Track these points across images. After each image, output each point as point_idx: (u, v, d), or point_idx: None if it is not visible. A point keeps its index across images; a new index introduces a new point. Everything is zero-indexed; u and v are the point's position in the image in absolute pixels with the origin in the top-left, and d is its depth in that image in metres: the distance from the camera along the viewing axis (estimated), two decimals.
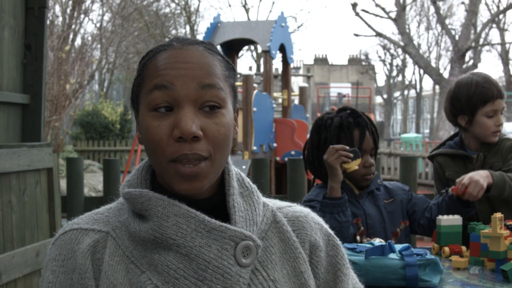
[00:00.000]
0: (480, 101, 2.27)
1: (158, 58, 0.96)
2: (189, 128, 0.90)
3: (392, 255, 1.66)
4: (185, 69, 0.94)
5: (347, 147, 2.04)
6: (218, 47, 7.35)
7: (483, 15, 36.91)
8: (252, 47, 23.98)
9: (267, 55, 7.39)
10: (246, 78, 6.80)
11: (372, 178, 2.19)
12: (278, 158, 7.33)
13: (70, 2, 11.23)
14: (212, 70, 0.95)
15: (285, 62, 8.14)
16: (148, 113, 0.94)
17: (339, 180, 2.02)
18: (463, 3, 19.32)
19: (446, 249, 1.95)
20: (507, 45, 26.10)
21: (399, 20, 18.46)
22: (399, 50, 32.63)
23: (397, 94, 38.81)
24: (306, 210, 1.07)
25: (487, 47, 28.00)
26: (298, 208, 1.07)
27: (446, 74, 19.10)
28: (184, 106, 0.92)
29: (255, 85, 7.62)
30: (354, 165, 2.01)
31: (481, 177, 2.09)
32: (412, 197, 2.26)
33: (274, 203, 1.07)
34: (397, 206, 2.22)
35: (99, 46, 14.75)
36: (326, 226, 1.08)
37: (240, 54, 8.70)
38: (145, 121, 0.94)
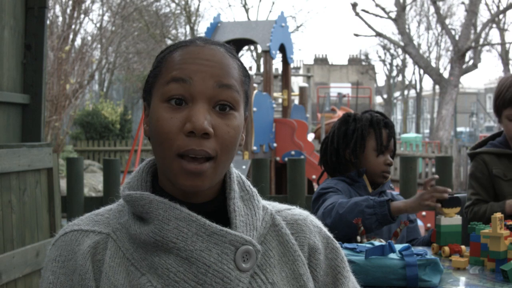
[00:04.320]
0: (503, 103, 2.31)
1: (179, 52, 0.96)
2: (201, 123, 0.90)
3: (392, 255, 1.66)
4: (205, 66, 0.94)
5: (449, 190, 2.03)
6: None
7: (483, 15, 36.98)
8: (252, 47, 23.98)
9: (267, 55, 7.39)
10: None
11: (388, 177, 2.29)
12: (278, 158, 7.33)
13: (70, 2, 11.24)
14: (231, 72, 0.95)
15: (285, 62, 8.13)
16: (161, 104, 0.94)
17: (413, 211, 2.03)
18: (463, 3, 19.31)
19: (446, 248, 1.95)
20: (507, 45, 26.07)
21: (399, 20, 18.45)
22: (399, 50, 32.62)
23: (397, 94, 38.81)
24: (305, 213, 1.07)
25: (487, 47, 27.97)
26: (297, 211, 1.07)
27: (446, 74, 19.09)
28: (198, 102, 0.92)
29: (255, 85, 7.62)
30: (453, 213, 1.99)
31: None
32: (411, 218, 2.35)
33: (273, 206, 1.07)
34: (404, 215, 2.28)
35: (99, 46, 14.76)
36: (325, 229, 1.08)
37: (240, 54, 8.69)
38: (157, 112, 0.94)
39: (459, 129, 36.52)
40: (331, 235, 1.08)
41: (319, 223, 1.08)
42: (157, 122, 0.93)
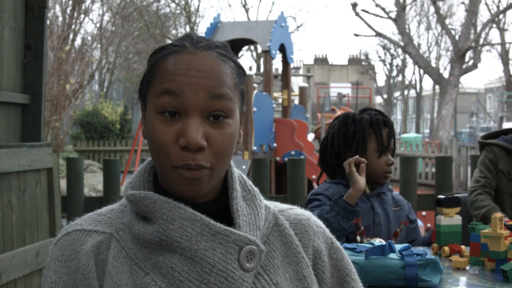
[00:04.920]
0: None
1: (171, 61, 0.95)
2: (194, 138, 0.90)
3: (392, 255, 1.66)
4: (197, 77, 0.93)
5: (364, 160, 2.12)
6: None
7: (483, 15, 36.98)
8: (252, 47, 23.97)
9: (267, 55, 7.38)
10: (246, 78, 6.78)
11: (390, 177, 2.27)
12: (278, 158, 7.33)
13: (70, 2, 11.24)
14: (224, 80, 0.95)
15: (285, 62, 8.13)
16: (155, 115, 0.94)
17: (359, 188, 2.06)
18: (463, 3, 19.32)
19: (446, 248, 1.95)
20: (507, 45, 26.08)
21: (399, 20, 18.45)
22: (399, 50, 32.62)
23: (397, 94, 38.79)
24: (308, 213, 1.08)
25: (487, 47, 27.98)
26: (299, 211, 1.07)
27: (446, 74, 19.08)
28: (191, 115, 0.93)
29: (255, 85, 7.61)
30: (453, 213, 2.01)
31: None
32: (411, 218, 2.34)
33: (276, 205, 1.07)
34: (404, 214, 2.30)
35: (99, 46, 14.75)
36: (327, 230, 1.09)
37: (240, 54, 8.69)
38: (152, 123, 0.95)
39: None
40: (333, 236, 1.08)
41: (321, 223, 1.09)
42: (153, 134, 0.94)
